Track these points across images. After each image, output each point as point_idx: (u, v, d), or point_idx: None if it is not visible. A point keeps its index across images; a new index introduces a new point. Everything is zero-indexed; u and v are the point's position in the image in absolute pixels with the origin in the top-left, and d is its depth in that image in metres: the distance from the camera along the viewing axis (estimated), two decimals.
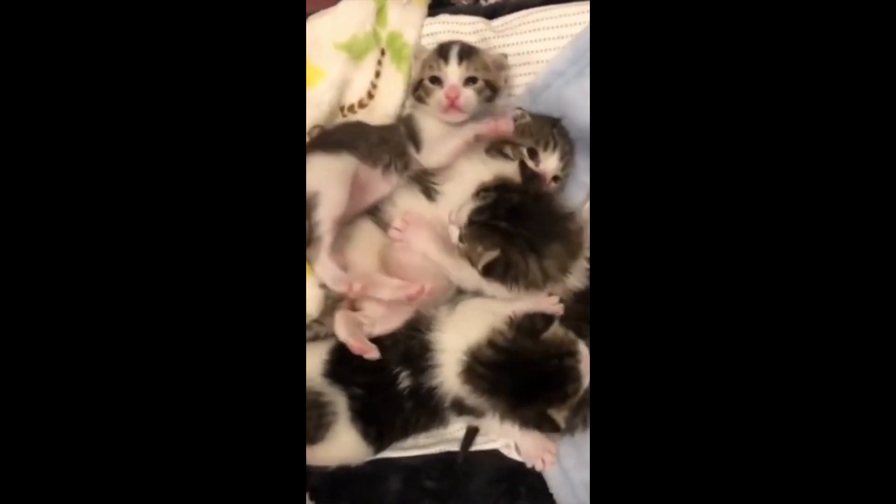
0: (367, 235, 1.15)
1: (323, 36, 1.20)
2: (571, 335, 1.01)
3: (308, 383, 1.06)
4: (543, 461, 1.10)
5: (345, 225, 1.11)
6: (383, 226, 1.14)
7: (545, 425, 1.00)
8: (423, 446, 1.17)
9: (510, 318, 1.00)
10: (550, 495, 1.12)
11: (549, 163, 1.14)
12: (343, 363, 1.07)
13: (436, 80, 1.13)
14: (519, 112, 1.17)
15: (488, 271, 1.00)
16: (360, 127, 1.19)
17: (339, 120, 1.25)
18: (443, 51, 1.14)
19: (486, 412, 1.06)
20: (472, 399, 1.02)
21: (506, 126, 1.09)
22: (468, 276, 1.05)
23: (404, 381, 1.05)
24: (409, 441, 1.15)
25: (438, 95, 1.12)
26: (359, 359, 1.05)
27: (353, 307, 1.13)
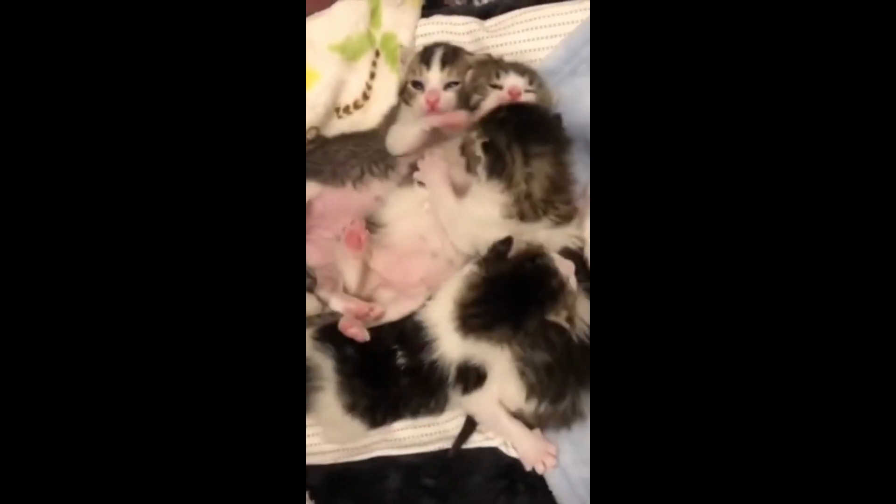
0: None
1: (317, 38, 1.20)
2: (532, 244, 1.04)
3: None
4: (545, 464, 1.10)
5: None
6: (375, 228, 1.15)
7: (552, 333, 1.02)
8: (423, 444, 1.17)
9: (476, 261, 1.04)
10: (549, 492, 1.11)
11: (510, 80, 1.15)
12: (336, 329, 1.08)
13: (418, 85, 1.17)
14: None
15: (483, 151, 1.03)
16: (328, 150, 1.21)
17: (335, 121, 1.26)
18: (425, 55, 1.18)
19: (493, 363, 1.05)
20: (476, 350, 1.03)
21: (458, 118, 1.12)
22: (466, 214, 1.07)
23: (400, 359, 1.06)
24: (399, 423, 1.16)
25: (420, 99, 1.16)
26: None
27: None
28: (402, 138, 1.17)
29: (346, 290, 1.13)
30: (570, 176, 1.09)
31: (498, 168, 1.03)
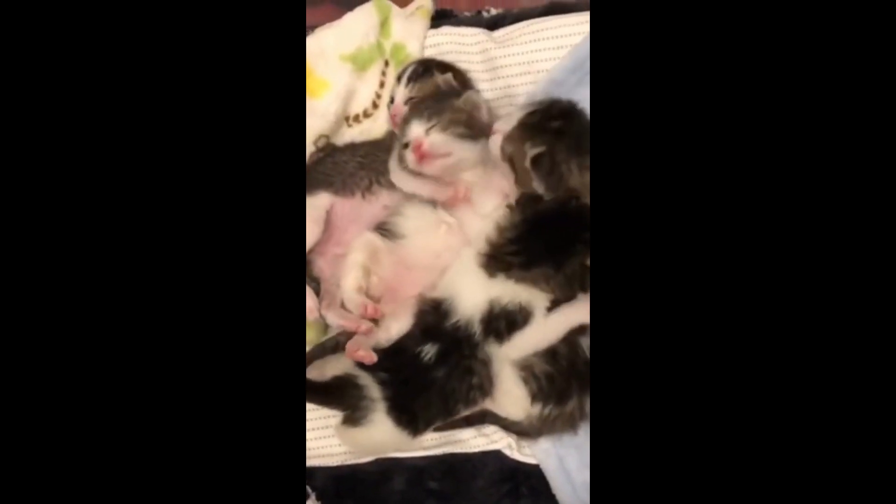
0: (363, 248, 1.17)
1: (328, 48, 1.23)
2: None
3: (343, 367, 1.09)
4: None
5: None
6: (395, 235, 1.16)
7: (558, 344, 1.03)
8: (427, 447, 1.18)
9: (507, 204, 1.04)
10: (552, 496, 1.13)
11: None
12: None
13: (392, 100, 1.21)
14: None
15: (535, 163, 1.01)
16: (338, 160, 1.23)
17: (345, 129, 1.29)
18: (401, 73, 1.21)
19: (535, 305, 1.03)
20: (506, 290, 1.02)
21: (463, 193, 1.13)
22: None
23: (429, 352, 1.05)
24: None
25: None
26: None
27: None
28: (407, 185, 1.17)
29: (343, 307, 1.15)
30: None
31: (553, 181, 1.02)
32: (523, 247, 1.00)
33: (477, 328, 1.05)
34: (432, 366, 1.05)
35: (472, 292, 1.04)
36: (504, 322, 1.04)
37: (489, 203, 1.10)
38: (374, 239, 1.14)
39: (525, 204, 1.02)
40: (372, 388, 1.06)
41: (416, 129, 1.12)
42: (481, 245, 1.05)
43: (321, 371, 1.10)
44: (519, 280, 1.02)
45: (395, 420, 1.05)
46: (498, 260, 1.02)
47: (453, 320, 1.05)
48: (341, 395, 1.08)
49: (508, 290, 1.03)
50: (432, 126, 1.11)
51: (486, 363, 1.06)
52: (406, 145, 1.13)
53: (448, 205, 1.13)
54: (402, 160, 1.15)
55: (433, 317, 1.08)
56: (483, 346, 1.05)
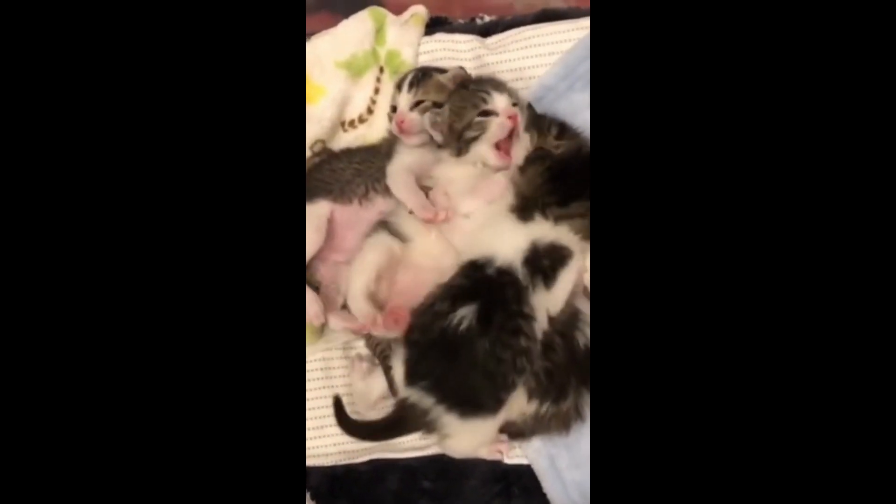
0: (374, 244, 1.17)
1: (324, 55, 1.26)
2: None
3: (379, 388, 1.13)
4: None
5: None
6: (400, 236, 1.16)
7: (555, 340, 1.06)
8: (421, 448, 1.20)
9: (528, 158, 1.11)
10: (544, 495, 1.14)
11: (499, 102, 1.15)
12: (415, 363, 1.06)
13: (394, 108, 1.21)
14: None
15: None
16: (335, 167, 1.24)
17: (341, 134, 1.31)
18: (400, 81, 1.22)
19: (572, 241, 1.06)
20: (544, 231, 1.05)
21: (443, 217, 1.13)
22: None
23: (465, 316, 1.01)
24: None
25: (393, 121, 1.20)
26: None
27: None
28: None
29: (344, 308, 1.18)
30: None
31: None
32: (555, 186, 1.06)
33: (521, 271, 1.03)
34: (475, 335, 1.00)
35: (511, 239, 1.05)
36: (548, 260, 1.05)
37: (471, 204, 1.11)
38: (388, 239, 1.14)
39: (541, 157, 1.07)
40: (423, 398, 1.03)
41: (404, 100, 1.17)
42: (511, 198, 1.07)
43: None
44: (557, 218, 1.06)
45: (460, 415, 1.02)
46: (533, 203, 1.06)
47: (495, 266, 1.03)
48: (405, 422, 1.06)
49: (547, 230, 1.06)
50: (417, 102, 1.16)
51: (531, 319, 1.03)
52: (393, 108, 1.19)
53: (427, 222, 1.13)
54: (389, 119, 1.22)
55: (469, 276, 1.05)
56: (530, 292, 1.03)
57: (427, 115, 1.15)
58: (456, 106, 1.12)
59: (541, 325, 1.04)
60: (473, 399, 1.02)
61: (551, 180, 1.08)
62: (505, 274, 1.03)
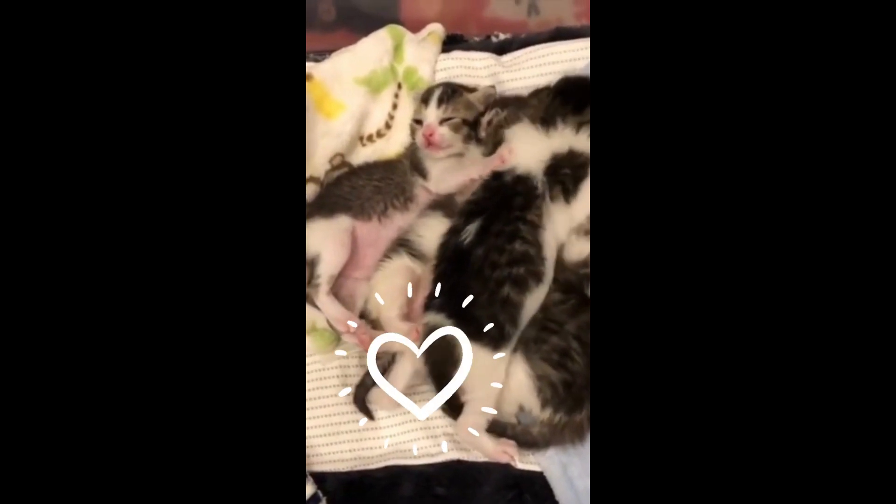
0: (398, 268, 1.18)
1: (344, 71, 1.30)
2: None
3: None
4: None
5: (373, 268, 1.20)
6: (418, 255, 1.18)
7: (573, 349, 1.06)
8: (434, 454, 1.22)
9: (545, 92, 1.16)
10: (556, 503, 1.15)
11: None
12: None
13: (419, 122, 1.24)
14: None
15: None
16: (355, 183, 1.27)
17: (359, 148, 1.34)
18: (426, 95, 1.25)
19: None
20: (576, 141, 1.07)
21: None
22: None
23: (469, 233, 1.05)
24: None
25: (419, 134, 1.22)
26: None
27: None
28: (449, 181, 1.21)
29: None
30: None
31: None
32: (572, 97, 1.09)
33: (539, 180, 1.07)
34: (474, 245, 1.04)
35: (533, 149, 1.08)
36: (569, 169, 1.07)
37: (452, 182, 1.18)
38: (409, 261, 1.17)
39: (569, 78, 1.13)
40: (437, 318, 1.05)
41: (432, 114, 1.20)
42: (531, 113, 1.11)
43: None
44: (579, 126, 1.08)
45: (464, 329, 1.02)
46: (553, 111, 1.09)
47: (515, 174, 1.06)
48: (429, 351, 1.06)
49: (568, 140, 1.08)
50: (447, 119, 1.19)
51: (535, 227, 1.06)
52: (418, 121, 1.22)
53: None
54: (412, 132, 1.25)
55: (488, 186, 1.08)
56: (544, 201, 1.07)
57: (450, 130, 1.20)
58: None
59: (553, 235, 1.06)
60: (476, 318, 1.02)
61: (567, 93, 1.11)
62: (520, 182, 1.06)
